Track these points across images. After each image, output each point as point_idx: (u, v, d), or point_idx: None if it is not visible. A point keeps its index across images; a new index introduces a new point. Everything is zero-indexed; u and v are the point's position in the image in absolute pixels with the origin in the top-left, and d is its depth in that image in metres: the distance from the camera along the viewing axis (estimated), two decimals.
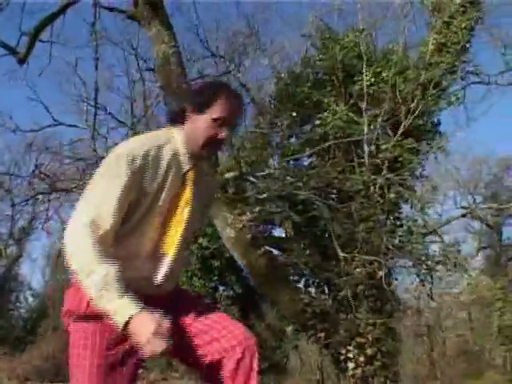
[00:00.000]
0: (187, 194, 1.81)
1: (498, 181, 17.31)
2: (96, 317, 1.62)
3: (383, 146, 5.93)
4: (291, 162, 6.25)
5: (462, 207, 17.01)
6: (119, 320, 1.50)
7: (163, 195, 1.78)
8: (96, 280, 1.51)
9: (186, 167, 1.82)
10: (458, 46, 7.58)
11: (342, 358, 5.60)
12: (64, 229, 1.62)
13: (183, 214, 1.80)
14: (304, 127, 6.33)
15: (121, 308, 1.51)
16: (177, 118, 1.84)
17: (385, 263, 5.84)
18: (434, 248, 6.72)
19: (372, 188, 5.97)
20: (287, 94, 6.58)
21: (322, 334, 5.36)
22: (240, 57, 8.08)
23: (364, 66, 6.14)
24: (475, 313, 15.75)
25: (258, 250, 5.39)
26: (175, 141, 1.82)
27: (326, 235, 5.73)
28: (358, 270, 5.84)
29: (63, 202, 11.82)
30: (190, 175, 1.82)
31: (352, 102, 6.10)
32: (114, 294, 1.52)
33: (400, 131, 6.00)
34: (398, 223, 6.26)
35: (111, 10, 6.28)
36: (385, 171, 5.77)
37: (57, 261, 19.91)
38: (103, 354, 1.66)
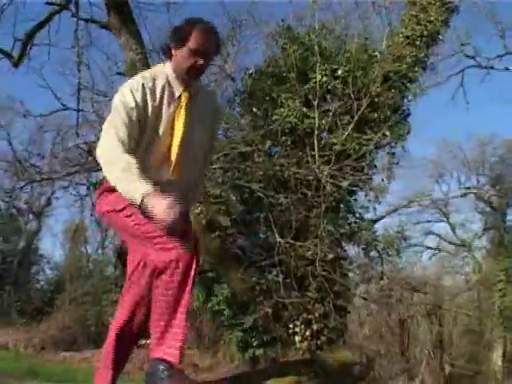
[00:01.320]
0: (181, 111, 2.28)
1: (503, 162, 17.62)
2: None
3: (333, 140, 6.73)
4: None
5: (465, 187, 17.55)
6: (137, 197, 1.97)
7: (163, 116, 2.26)
8: (120, 166, 2.05)
9: (179, 90, 2.31)
10: (426, 39, 8.23)
11: (291, 331, 6.55)
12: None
13: (180, 127, 2.27)
14: (266, 121, 7.14)
15: (140, 187, 1.99)
16: (167, 54, 2.33)
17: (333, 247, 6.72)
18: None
19: (325, 178, 6.79)
20: (254, 91, 7.43)
21: (270, 310, 6.30)
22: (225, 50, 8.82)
23: (318, 63, 6.90)
24: (482, 293, 16.38)
25: (212, 233, 6.35)
26: (167, 72, 2.32)
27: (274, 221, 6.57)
28: (309, 252, 6.72)
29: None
30: (184, 97, 2.31)
31: (306, 97, 6.89)
32: (134, 176, 2.02)
33: (351, 126, 6.76)
34: (351, 210, 7.08)
35: (87, 20, 7.17)
36: (332, 162, 6.57)
37: (74, 235, 21.32)
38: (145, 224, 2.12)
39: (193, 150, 2.38)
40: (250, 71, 7.57)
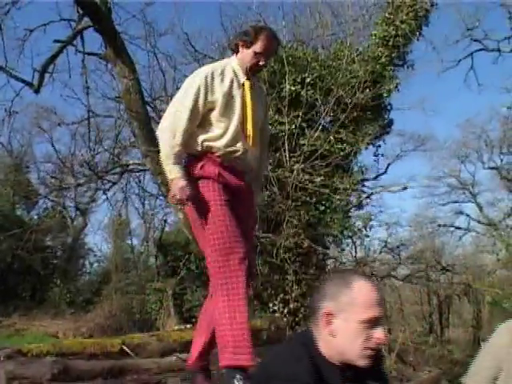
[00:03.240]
0: (247, 96, 2.99)
1: None
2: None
3: (301, 142, 8.20)
4: None
5: (490, 168, 18.33)
6: (169, 177, 2.83)
7: (232, 96, 2.96)
8: (165, 151, 2.85)
9: (243, 79, 3.02)
10: (400, 39, 9.49)
11: (271, 309, 8.15)
12: None
13: (249, 108, 2.97)
14: None
15: (171, 170, 2.82)
16: (233, 50, 3.06)
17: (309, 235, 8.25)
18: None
19: (301, 176, 8.27)
20: None
21: (251, 291, 7.90)
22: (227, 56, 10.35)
23: (287, 72, 8.35)
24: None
25: None
26: (233, 64, 3.04)
27: None
28: (289, 240, 8.27)
29: None
30: (246, 85, 3.02)
31: (277, 106, 8.37)
32: (171, 161, 2.82)
33: (316, 127, 8.21)
34: (326, 203, 8.51)
35: (89, 54, 8.90)
36: (301, 162, 8.06)
37: (117, 230, 23.46)
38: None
39: (258, 124, 3.10)
40: None
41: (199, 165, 2.94)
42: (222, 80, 2.96)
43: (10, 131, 17.72)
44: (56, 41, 8.46)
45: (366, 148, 9.23)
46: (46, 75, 9.04)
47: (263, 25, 3.40)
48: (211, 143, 2.96)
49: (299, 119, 8.12)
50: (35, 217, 21.09)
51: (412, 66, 9.79)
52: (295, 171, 7.94)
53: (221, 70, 2.99)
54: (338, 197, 8.16)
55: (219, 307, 2.70)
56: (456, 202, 21.92)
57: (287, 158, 8.10)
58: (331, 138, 8.36)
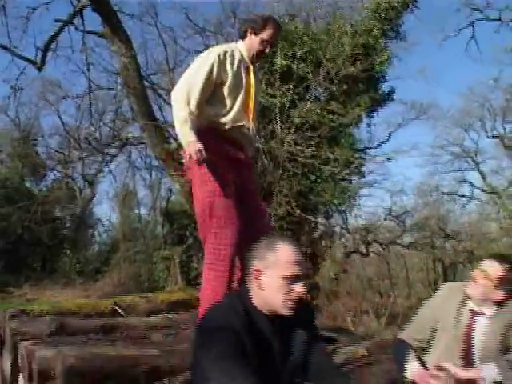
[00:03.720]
0: (252, 79, 3.29)
1: None
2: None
3: (292, 114, 8.57)
4: None
5: (493, 136, 18.57)
6: (185, 141, 3.01)
7: (239, 77, 3.22)
8: (182, 115, 3.05)
9: (248, 63, 3.30)
10: (392, 11, 9.74)
11: None
12: None
13: (252, 90, 3.27)
14: None
15: (188, 134, 3.01)
16: (242, 36, 3.30)
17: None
18: None
19: (293, 147, 8.66)
20: None
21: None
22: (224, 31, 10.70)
23: (278, 46, 8.65)
24: None
25: None
26: (241, 48, 3.30)
27: None
28: (281, 208, 8.71)
29: None
30: (251, 69, 3.31)
31: (269, 80, 8.72)
32: (187, 127, 3.02)
33: (307, 99, 8.57)
34: (317, 173, 8.92)
35: (88, 32, 9.28)
36: (292, 133, 8.44)
37: (124, 200, 24.00)
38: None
39: (258, 105, 3.46)
40: None
41: (206, 139, 3.10)
42: (233, 61, 3.21)
43: (17, 105, 18.09)
44: (57, 20, 8.85)
45: (358, 119, 9.53)
46: (50, 52, 9.44)
47: (270, 14, 3.62)
48: (219, 118, 3.20)
49: (290, 92, 8.46)
50: (44, 189, 21.59)
51: (404, 38, 10.06)
52: (286, 142, 8.31)
53: (231, 52, 3.23)
54: (328, 167, 8.53)
55: (204, 284, 3.05)
56: (459, 171, 22.22)
57: (279, 130, 8.47)
58: (321, 109, 8.71)
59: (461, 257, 17.59)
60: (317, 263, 9.10)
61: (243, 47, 3.30)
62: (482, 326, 2.74)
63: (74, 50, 9.70)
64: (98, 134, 10.42)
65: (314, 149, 8.64)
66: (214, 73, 3.14)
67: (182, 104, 3.10)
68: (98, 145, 10.59)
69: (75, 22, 9.00)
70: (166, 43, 10.37)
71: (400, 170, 19.06)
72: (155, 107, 9.65)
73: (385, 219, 21.62)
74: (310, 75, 8.57)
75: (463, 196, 21.49)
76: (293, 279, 2.05)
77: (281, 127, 8.45)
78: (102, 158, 14.91)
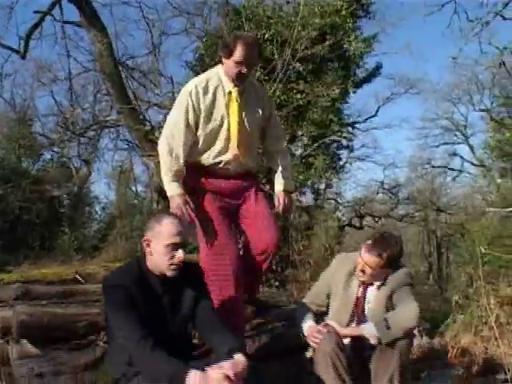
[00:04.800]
0: (234, 105, 3.22)
1: None
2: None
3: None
4: None
5: (480, 110, 18.98)
6: (168, 193, 3.22)
7: (215, 110, 3.22)
8: (164, 169, 3.21)
9: (229, 88, 3.24)
10: None
11: None
12: None
13: (234, 117, 3.22)
14: None
15: (168, 187, 3.22)
16: (220, 61, 3.27)
17: None
18: None
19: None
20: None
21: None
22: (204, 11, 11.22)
23: (245, 29, 9.20)
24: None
25: None
26: (219, 73, 3.28)
27: None
28: None
29: None
30: (233, 93, 3.24)
31: None
32: (169, 179, 3.20)
33: (274, 79, 9.10)
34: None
35: (66, 22, 9.87)
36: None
37: (120, 177, 24.68)
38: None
39: (250, 129, 3.35)
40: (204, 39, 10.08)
41: (193, 175, 3.36)
42: (206, 93, 3.23)
43: (13, 87, 18.69)
44: (36, 11, 9.43)
45: (328, 96, 10.08)
46: (34, 41, 10.09)
47: (243, 33, 3.45)
48: (198, 157, 3.36)
49: (258, 73, 9.02)
50: (40, 169, 22.26)
51: (374, 17, 10.57)
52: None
53: (205, 83, 3.26)
54: (294, 143, 9.16)
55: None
56: (449, 144, 22.73)
57: None
58: (289, 89, 9.28)
59: (453, 230, 18.33)
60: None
61: (222, 72, 3.29)
62: (371, 295, 3.35)
63: (57, 37, 10.31)
64: (83, 117, 11.06)
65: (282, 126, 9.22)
66: (190, 114, 3.23)
67: (164, 157, 3.26)
68: (72, 130, 11.24)
69: (54, 12, 9.57)
70: (150, 24, 10.84)
71: (391, 144, 19.79)
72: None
73: (377, 193, 22.30)
74: (276, 56, 9.09)
75: (453, 169, 22.03)
76: (174, 247, 2.65)
77: None
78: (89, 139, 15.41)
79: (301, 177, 9.59)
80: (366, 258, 3.21)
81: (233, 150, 3.31)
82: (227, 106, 3.25)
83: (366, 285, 3.35)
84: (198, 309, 2.78)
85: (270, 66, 9.20)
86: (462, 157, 22.97)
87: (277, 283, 7.97)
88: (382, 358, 3.09)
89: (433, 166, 22.77)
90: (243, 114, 3.30)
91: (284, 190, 3.56)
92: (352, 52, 10.66)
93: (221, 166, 3.36)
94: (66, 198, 22.69)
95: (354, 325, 3.31)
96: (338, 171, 12.12)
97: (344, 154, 13.36)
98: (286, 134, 3.86)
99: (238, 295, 3.27)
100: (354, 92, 11.66)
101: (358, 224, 21.42)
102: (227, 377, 2.27)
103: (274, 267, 8.36)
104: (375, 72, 13.14)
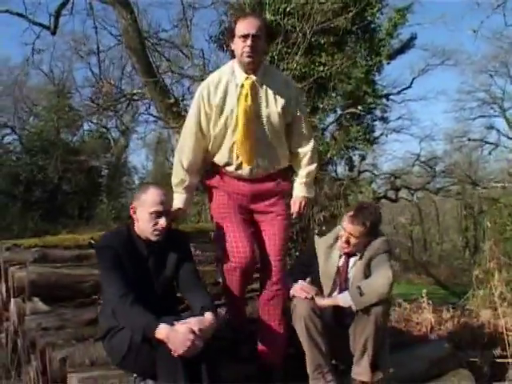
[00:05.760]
0: (244, 99, 3.00)
1: None
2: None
3: (282, 67, 9.28)
4: None
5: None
6: (174, 204, 3.19)
7: (225, 106, 3.04)
8: (173, 182, 3.23)
9: (242, 79, 3.02)
10: None
11: None
12: None
13: (242, 115, 3.00)
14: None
15: (178, 200, 3.22)
16: (231, 54, 3.09)
17: None
18: None
19: None
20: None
21: None
22: None
23: (267, 2, 9.33)
24: None
25: None
26: (233, 65, 3.08)
27: None
28: None
29: None
30: (247, 84, 3.00)
31: None
32: (179, 190, 3.20)
33: (295, 52, 9.22)
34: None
35: None
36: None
37: (157, 148, 25.26)
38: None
39: (267, 125, 3.09)
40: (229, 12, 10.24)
41: (214, 174, 3.30)
42: (217, 89, 3.07)
43: (51, 60, 19.19)
44: None
45: (351, 68, 10.14)
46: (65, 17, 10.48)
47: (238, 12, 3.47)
48: (214, 158, 3.24)
49: (279, 46, 9.16)
50: (79, 140, 22.93)
51: None
52: None
53: (218, 79, 3.10)
54: (317, 116, 9.31)
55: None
56: (486, 117, 22.31)
57: None
58: (310, 61, 9.41)
59: (488, 204, 18.21)
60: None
61: (235, 65, 3.09)
62: (352, 264, 3.50)
63: (88, 13, 10.68)
64: (114, 90, 11.36)
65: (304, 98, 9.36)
66: (202, 116, 3.13)
67: (175, 168, 3.28)
68: (98, 104, 11.60)
69: None
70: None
71: (428, 116, 19.69)
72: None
73: (413, 165, 22.20)
74: (297, 29, 9.20)
75: (490, 143, 21.67)
76: (157, 214, 2.89)
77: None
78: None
79: (332, 149, 9.71)
80: (350, 229, 3.36)
81: (241, 151, 3.10)
82: (238, 100, 3.03)
83: (347, 255, 3.50)
84: (180, 271, 3.03)
85: (291, 39, 9.29)
86: (498, 130, 22.58)
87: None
88: (359, 323, 3.24)
89: (469, 139, 22.47)
90: (259, 108, 3.05)
91: (304, 196, 3.38)
92: (376, 24, 10.65)
93: (232, 168, 3.19)
94: (104, 168, 23.38)
95: (336, 293, 3.45)
96: (372, 143, 12.15)
97: (378, 125, 13.39)
98: (312, 135, 3.39)
99: (242, 293, 3.27)
100: (388, 63, 11.61)
101: (393, 197, 21.45)
102: (192, 331, 2.47)
103: (295, 237, 8.59)
104: (409, 43, 13.10)
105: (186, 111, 9.49)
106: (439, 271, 18.97)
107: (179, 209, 3.24)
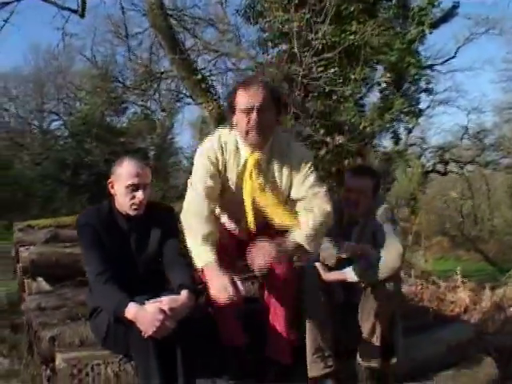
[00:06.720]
0: (253, 177, 2.67)
1: None
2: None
3: (310, 37, 9.00)
4: None
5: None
6: (198, 264, 2.57)
7: (230, 178, 2.76)
8: (192, 235, 2.63)
9: (246, 155, 2.69)
10: None
11: None
12: None
13: (251, 191, 2.69)
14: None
15: (202, 257, 2.58)
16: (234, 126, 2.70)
17: None
18: None
19: (314, 69, 9.17)
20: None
21: None
22: None
23: None
24: None
25: None
26: (237, 138, 2.74)
27: None
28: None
29: None
30: (251, 162, 2.67)
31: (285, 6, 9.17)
32: (200, 248, 2.58)
33: (323, 21, 8.93)
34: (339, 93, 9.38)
35: None
36: (311, 56, 8.92)
37: (201, 126, 25.23)
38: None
39: (269, 200, 2.70)
40: None
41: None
42: (222, 154, 2.76)
43: (93, 44, 19.38)
44: None
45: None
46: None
47: (241, 79, 2.98)
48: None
49: (307, 16, 8.89)
50: (125, 122, 23.19)
51: None
52: (304, 65, 8.83)
53: (222, 144, 2.76)
54: (349, 87, 9.01)
55: None
56: None
57: (298, 54, 8.97)
58: (341, 31, 9.09)
59: None
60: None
61: (239, 137, 2.75)
62: (355, 234, 3.22)
63: None
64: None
65: (336, 69, 9.09)
66: (209, 180, 2.76)
67: (189, 222, 2.79)
68: (125, 84, 11.61)
69: None
70: None
71: (475, 87, 18.99)
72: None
73: (461, 138, 21.47)
74: None
75: None
76: (133, 187, 2.77)
77: (300, 51, 8.93)
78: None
79: (376, 121, 9.41)
80: (356, 183, 3.15)
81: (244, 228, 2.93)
82: (240, 177, 2.75)
83: (350, 225, 3.27)
84: (164, 247, 2.91)
85: (319, 7, 8.99)
86: None
87: None
88: (367, 300, 3.02)
89: None
90: (263, 186, 2.73)
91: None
92: None
93: (235, 234, 3.06)
94: (150, 149, 23.57)
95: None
96: (417, 115, 11.68)
97: (424, 97, 12.84)
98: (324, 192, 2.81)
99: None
100: (431, 33, 11.06)
101: (442, 170, 20.88)
102: (162, 310, 2.37)
103: None
104: (452, 11, 12.47)
105: (214, 87, 9.49)
106: (488, 247, 18.36)
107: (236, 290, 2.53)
